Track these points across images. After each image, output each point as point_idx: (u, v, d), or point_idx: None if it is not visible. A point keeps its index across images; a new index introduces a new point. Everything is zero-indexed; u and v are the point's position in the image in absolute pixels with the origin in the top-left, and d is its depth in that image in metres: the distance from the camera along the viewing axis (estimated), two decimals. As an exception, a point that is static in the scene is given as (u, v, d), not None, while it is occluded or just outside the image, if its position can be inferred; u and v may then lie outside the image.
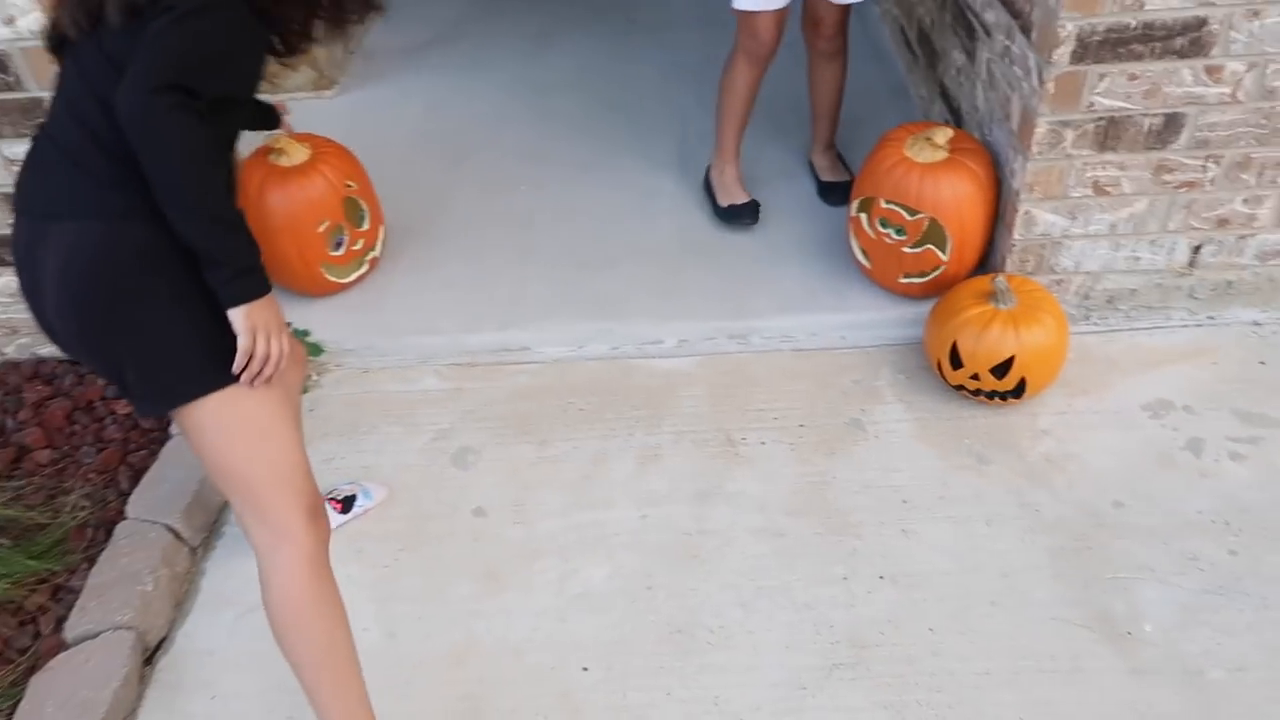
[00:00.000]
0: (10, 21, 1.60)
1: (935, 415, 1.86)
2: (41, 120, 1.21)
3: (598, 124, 2.69)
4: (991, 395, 1.80)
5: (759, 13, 2.00)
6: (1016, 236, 1.88)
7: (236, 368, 1.17)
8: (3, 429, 1.92)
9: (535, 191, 2.46)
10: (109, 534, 1.69)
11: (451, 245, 2.30)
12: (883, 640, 1.51)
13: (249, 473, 1.22)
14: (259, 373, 1.19)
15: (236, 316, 1.16)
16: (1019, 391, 1.78)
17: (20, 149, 1.71)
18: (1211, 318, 1.98)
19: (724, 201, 2.27)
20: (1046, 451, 1.77)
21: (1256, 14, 1.58)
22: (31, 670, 1.50)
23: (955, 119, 2.21)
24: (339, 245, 2.06)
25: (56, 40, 1.21)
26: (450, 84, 2.94)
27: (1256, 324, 1.97)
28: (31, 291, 1.19)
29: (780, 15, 2.02)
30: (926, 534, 1.66)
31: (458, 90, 2.90)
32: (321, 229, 2.00)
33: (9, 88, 1.66)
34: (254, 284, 1.16)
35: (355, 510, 1.75)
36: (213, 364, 1.17)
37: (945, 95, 2.29)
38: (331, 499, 1.74)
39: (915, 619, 1.54)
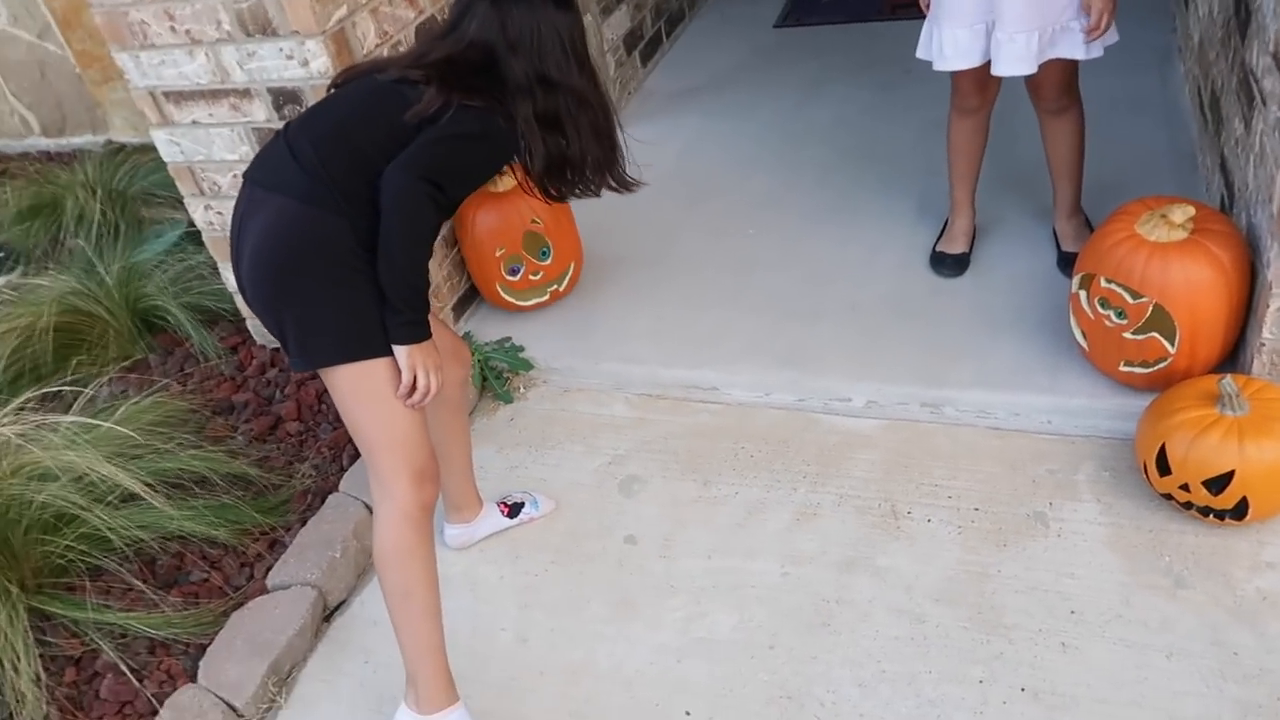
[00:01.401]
0: (305, 64, 1.92)
1: (1135, 523, 1.65)
2: (293, 120, 1.45)
3: (843, 175, 2.67)
4: (1207, 512, 1.57)
5: (958, 70, 1.92)
6: (1267, 335, 1.62)
7: (400, 395, 1.39)
8: (270, 400, 2.28)
9: (762, 237, 2.49)
10: (323, 502, 1.96)
11: (669, 281, 2.39)
12: (1006, 759, 1.37)
13: (368, 434, 1.42)
14: (414, 397, 1.39)
15: (400, 353, 1.38)
16: (1240, 512, 1.53)
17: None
18: None
19: (936, 247, 2.22)
20: (1265, 587, 1.51)
21: None
22: (238, 606, 1.78)
23: (1229, 195, 1.94)
24: (515, 272, 2.25)
25: (344, 78, 1.51)
26: (710, 128, 3.04)
27: None
28: (235, 254, 1.43)
29: (978, 72, 1.92)
30: (1090, 653, 1.48)
31: (715, 135, 3.00)
32: (498, 254, 2.22)
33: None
34: (419, 332, 1.39)
35: (521, 517, 1.88)
36: (353, 341, 1.37)
37: (1224, 168, 2.02)
38: (502, 503, 1.89)
39: (1050, 744, 1.38)
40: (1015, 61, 1.84)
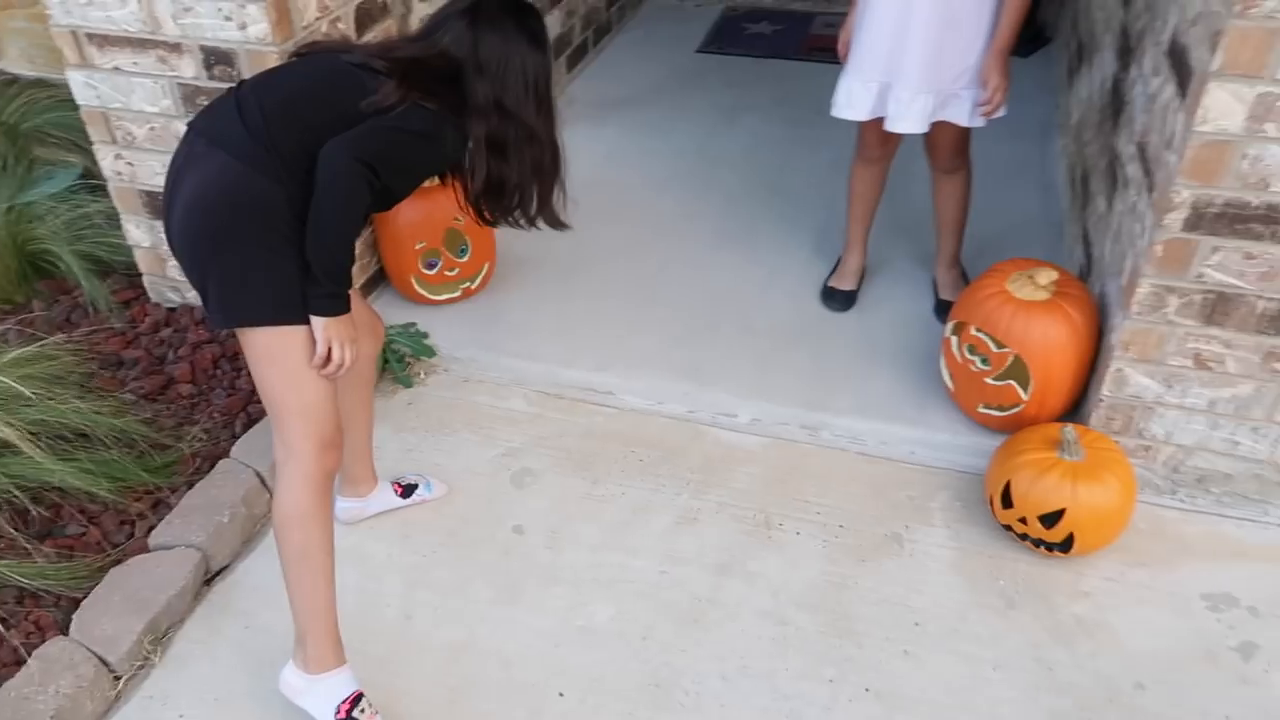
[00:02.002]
0: (243, 27, 1.92)
1: (977, 548, 1.83)
2: (248, 78, 1.47)
3: (749, 204, 2.81)
4: (1039, 543, 1.76)
5: (863, 122, 2.11)
6: (1105, 393, 1.83)
7: (314, 365, 1.42)
8: (163, 360, 2.25)
9: (671, 251, 2.60)
10: (213, 466, 1.96)
11: (576, 287, 2.47)
12: (847, 751, 1.52)
13: (277, 397, 1.46)
14: (327, 369, 1.43)
15: (317, 325, 1.42)
16: (1067, 546, 1.73)
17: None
18: (1316, 524, 1.84)
19: (828, 282, 2.39)
20: (1081, 613, 1.71)
21: (1394, 217, 1.50)
22: (116, 564, 1.76)
23: (1088, 265, 2.17)
24: (432, 266, 2.31)
25: (308, 49, 1.56)
26: (628, 143, 3.15)
27: (1367, 543, 1.81)
28: (168, 201, 1.44)
29: (882, 126, 2.09)
30: (928, 661, 1.64)
31: (632, 150, 3.11)
32: (418, 247, 2.27)
33: (232, 80, 1.99)
34: (338, 305, 1.43)
35: (414, 498, 1.93)
36: (272, 306, 1.40)
37: (1086, 240, 2.25)
38: (396, 482, 1.93)
39: (887, 741, 1.53)
40: (908, 120, 2.02)
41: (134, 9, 1.97)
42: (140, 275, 2.44)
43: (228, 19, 1.92)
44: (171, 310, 2.41)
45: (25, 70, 3.67)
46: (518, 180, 1.50)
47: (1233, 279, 1.64)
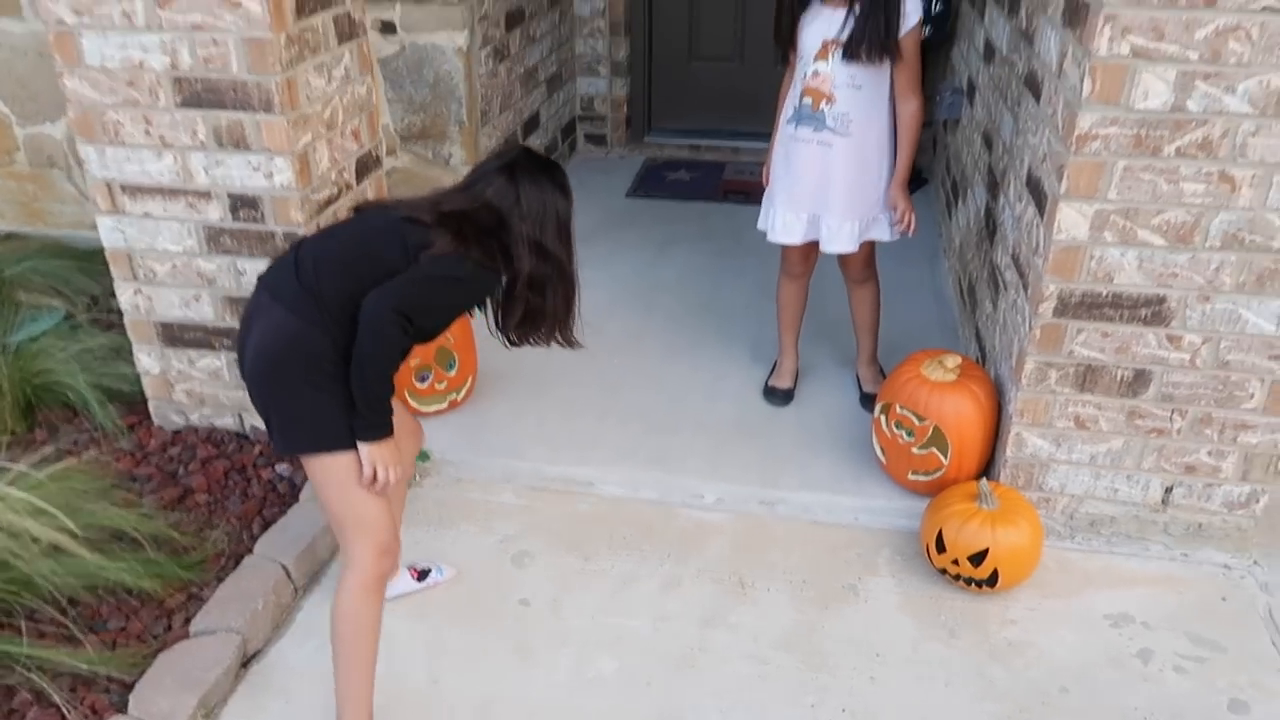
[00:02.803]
0: (269, 176, 2.24)
1: (920, 592, 2.15)
2: (308, 236, 1.77)
3: (690, 321, 3.21)
4: (970, 581, 2.10)
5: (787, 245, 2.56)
6: (1009, 454, 2.22)
7: (363, 484, 1.65)
8: (175, 475, 2.44)
9: (627, 365, 2.95)
10: (238, 563, 2.14)
11: (550, 395, 2.78)
12: (833, 760, 1.78)
13: (335, 512, 1.69)
14: (375, 486, 1.66)
15: (363, 449, 1.64)
16: (993, 581, 2.07)
17: (255, 266, 2.33)
18: (1185, 555, 2.23)
19: (769, 382, 2.77)
20: (1010, 637, 2.04)
21: (1207, 299, 1.97)
22: (158, 651, 1.92)
23: (982, 355, 2.61)
24: (424, 379, 2.58)
25: (363, 206, 1.85)
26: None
27: (1227, 567, 2.21)
28: (240, 344, 1.70)
29: (804, 247, 2.54)
30: (891, 683, 1.93)
31: (582, 281, 3.48)
32: (413, 363, 2.54)
33: (256, 221, 2.29)
34: (380, 433, 1.65)
35: (428, 581, 2.15)
36: (325, 436, 1.64)
37: (979, 336, 2.70)
38: (412, 568, 2.15)
39: (865, 749, 1.80)
40: (840, 243, 2.46)
41: (169, 163, 2.27)
42: (145, 401, 2.64)
43: (255, 169, 2.24)
44: (177, 432, 2.61)
45: (-4, 224, 3.88)
46: (551, 310, 1.75)
47: (1095, 353, 2.07)
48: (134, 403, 2.68)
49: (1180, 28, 1.74)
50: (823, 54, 2.34)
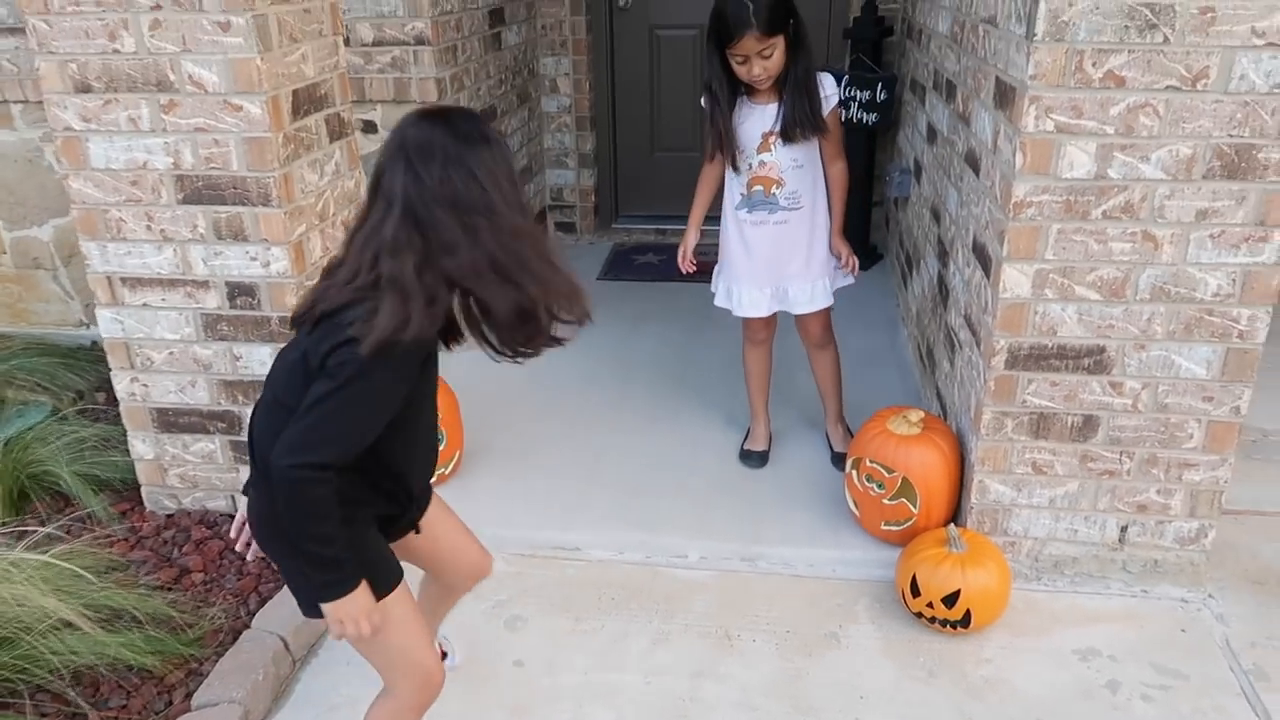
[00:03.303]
0: (266, 265, 2.37)
1: (899, 636, 2.25)
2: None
3: (666, 392, 3.34)
4: (945, 623, 2.20)
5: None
6: (974, 501, 2.35)
7: (334, 637, 1.51)
8: (171, 556, 2.49)
9: (608, 435, 3.06)
10: (236, 638, 2.19)
11: (535, 464, 2.89)
12: (825, 798, 1.85)
13: (371, 660, 1.63)
14: (350, 641, 1.52)
15: (326, 610, 1.46)
16: (966, 621, 2.18)
17: (250, 351, 2.44)
18: (1145, 591, 2.36)
19: (744, 446, 2.90)
20: (986, 675, 2.13)
21: (1143, 347, 2.14)
22: (162, 726, 1.96)
23: (944, 411, 2.76)
24: None
25: (294, 324, 1.49)
26: (556, 352, 3.66)
27: (1184, 600, 2.33)
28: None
29: (765, 318, 2.73)
30: (875, 724, 2.01)
31: (562, 356, 3.55)
32: None
33: (252, 308, 2.41)
34: (336, 591, 1.44)
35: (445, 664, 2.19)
36: (306, 601, 1.53)
37: (939, 395, 2.86)
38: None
39: (855, 786, 1.87)
40: (817, 301, 2.69)
41: (169, 256, 2.40)
42: (137, 488, 2.70)
43: (253, 259, 2.37)
44: (169, 515, 2.66)
45: (-23, 326, 3.95)
46: (533, 292, 1.39)
47: (1046, 401, 2.23)
48: (125, 490, 2.74)
49: (1096, 106, 1.96)
50: (764, 146, 2.57)
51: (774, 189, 2.61)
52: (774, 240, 2.65)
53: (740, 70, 2.45)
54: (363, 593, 1.46)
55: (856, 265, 2.73)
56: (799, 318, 2.74)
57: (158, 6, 2.15)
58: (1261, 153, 1.94)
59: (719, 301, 2.80)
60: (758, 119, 2.55)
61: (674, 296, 4.21)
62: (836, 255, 2.71)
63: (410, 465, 1.59)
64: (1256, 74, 1.88)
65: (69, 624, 1.99)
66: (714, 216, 2.77)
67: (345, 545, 1.43)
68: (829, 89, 2.55)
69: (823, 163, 2.64)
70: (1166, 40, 1.89)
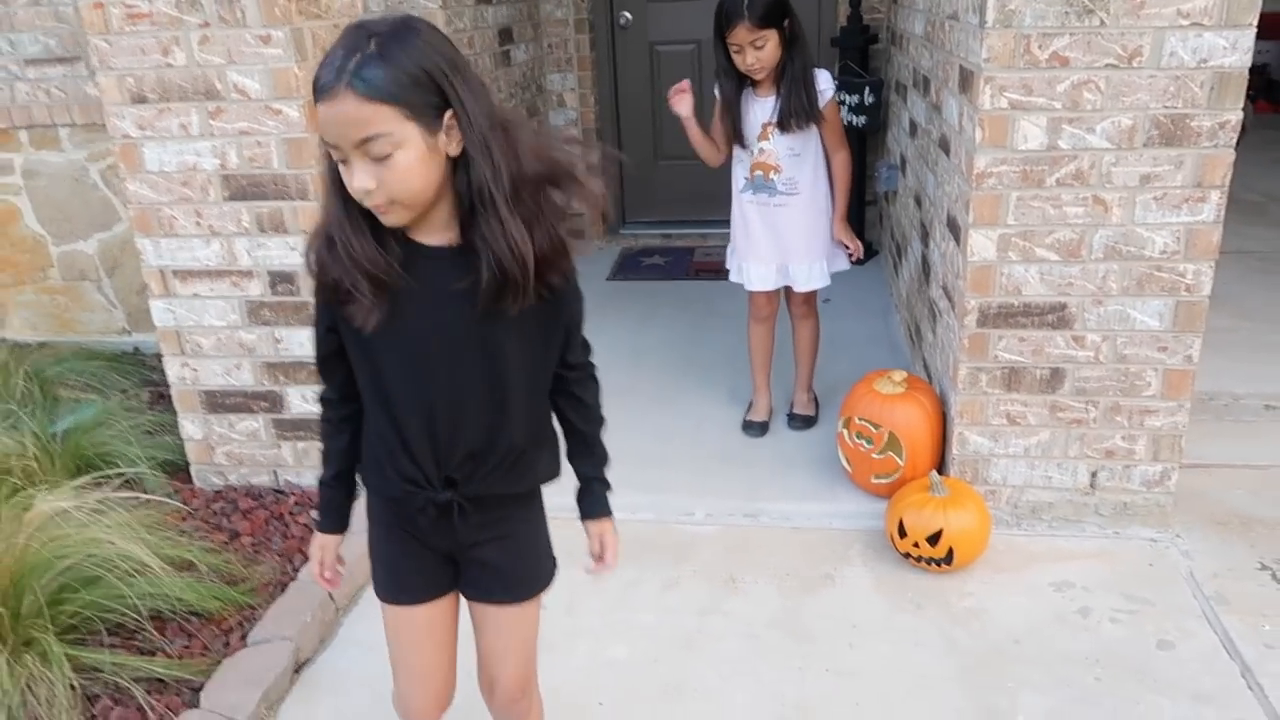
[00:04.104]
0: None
1: (889, 575, 2.45)
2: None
3: (673, 375, 3.57)
4: (930, 561, 2.40)
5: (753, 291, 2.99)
6: (955, 452, 2.56)
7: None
8: (221, 523, 2.72)
9: (618, 413, 3.25)
10: (283, 590, 2.41)
11: (549, 441, 3.11)
12: (820, 708, 2.05)
13: None
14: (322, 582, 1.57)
15: None
16: (949, 559, 2.38)
17: (290, 334, 2.68)
18: (1117, 532, 2.55)
19: (746, 417, 3.12)
20: (969, 606, 2.33)
21: (1100, 303, 2.35)
22: (218, 662, 2.18)
23: (929, 377, 2.97)
24: None
25: None
26: (566, 343, 3.90)
27: (1153, 540, 2.53)
28: None
29: (769, 292, 2.97)
30: (867, 647, 2.21)
31: (570, 348, 3.86)
32: None
33: (292, 294, 2.65)
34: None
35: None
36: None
37: (925, 364, 3.08)
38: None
39: (847, 697, 2.07)
40: (814, 280, 2.92)
41: (216, 249, 2.65)
42: (186, 467, 2.94)
43: (292, 249, 2.62)
44: (217, 491, 2.90)
45: (27, 337, 4.22)
46: (539, 156, 1.22)
47: (1016, 356, 2.44)
48: (174, 470, 2.97)
49: (1044, 84, 2.19)
50: (763, 135, 2.84)
51: (772, 175, 2.86)
52: (773, 222, 2.90)
53: (736, 59, 2.69)
54: (318, 534, 1.55)
55: (861, 250, 2.98)
56: (790, 291, 2.97)
57: (206, 24, 2.41)
58: (1194, 121, 2.16)
59: (733, 277, 3.06)
60: (758, 110, 2.80)
61: (680, 293, 4.45)
62: (840, 242, 2.94)
63: (404, 434, 1.36)
64: (1185, 51, 2.11)
65: (140, 571, 2.21)
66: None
67: (330, 479, 1.50)
68: (824, 83, 2.79)
69: (825, 153, 2.88)
70: (1103, 23, 2.12)
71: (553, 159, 1.25)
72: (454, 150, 1.19)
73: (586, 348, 1.50)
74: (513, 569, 1.55)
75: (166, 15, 2.41)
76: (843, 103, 4.41)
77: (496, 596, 1.54)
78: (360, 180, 1.17)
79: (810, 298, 3.02)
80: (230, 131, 2.51)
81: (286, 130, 2.49)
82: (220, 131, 2.51)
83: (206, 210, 2.61)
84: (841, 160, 2.88)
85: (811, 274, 2.94)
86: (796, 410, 3.12)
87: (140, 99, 2.51)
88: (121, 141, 2.58)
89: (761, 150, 2.85)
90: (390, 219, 1.22)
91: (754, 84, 2.78)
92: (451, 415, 1.35)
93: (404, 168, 1.16)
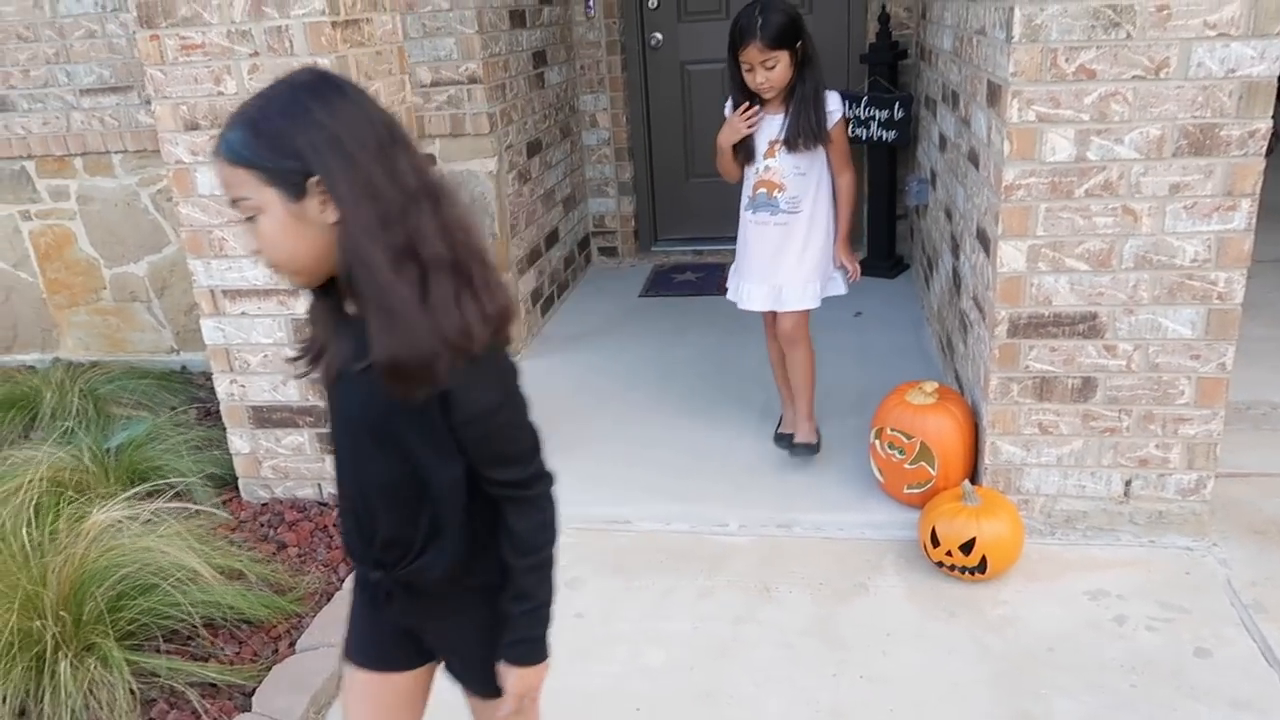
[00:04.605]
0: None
1: (922, 584, 2.47)
2: None
3: (704, 390, 3.61)
4: (963, 570, 2.42)
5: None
6: (987, 462, 2.58)
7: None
8: (268, 535, 2.81)
9: (652, 429, 3.34)
10: (330, 599, 2.49)
11: (585, 453, 3.16)
12: (854, 713, 2.07)
13: None
14: None
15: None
16: (983, 567, 2.39)
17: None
18: (1152, 541, 2.55)
19: (777, 430, 3.15)
20: (1003, 614, 2.35)
21: (1131, 311, 2.37)
22: (268, 668, 2.25)
23: (960, 389, 2.99)
24: None
25: None
26: (602, 358, 3.97)
27: (1189, 548, 2.52)
28: None
29: (773, 313, 2.95)
30: (901, 655, 2.24)
31: (607, 362, 3.93)
32: None
33: (335, 312, 2.75)
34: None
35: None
36: None
37: (957, 376, 3.10)
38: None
39: (881, 703, 2.09)
40: (806, 300, 2.85)
41: (264, 270, 2.74)
42: (234, 481, 3.03)
43: (337, 269, 2.71)
44: (264, 504, 2.98)
45: (80, 356, 4.36)
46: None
47: (1047, 366, 2.46)
48: (222, 484, 3.07)
49: (1072, 96, 2.22)
50: (770, 153, 2.80)
51: (776, 193, 2.84)
52: (773, 240, 2.85)
53: (747, 78, 2.69)
54: None
55: (859, 273, 2.93)
56: (775, 314, 2.94)
57: (255, 54, 2.52)
58: (1224, 130, 2.18)
59: (730, 295, 3.05)
60: (766, 128, 2.78)
61: (711, 309, 4.48)
62: (840, 265, 2.91)
63: (341, 506, 1.38)
64: (1212, 61, 2.13)
65: (193, 579, 2.29)
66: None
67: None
68: (833, 104, 2.75)
69: (831, 176, 2.86)
70: (1129, 36, 2.15)
71: (464, 244, 1.16)
72: (331, 218, 1.11)
73: (519, 463, 1.27)
74: (469, 661, 1.40)
75: (219, 46, 2.51)
76: (872, 118, 4.45)
77: (466, 685, 1.44)
78: (245, 241, 1.17)
79: (800, 321, 2.92)
80: (277, 155, 2.60)
81: (331, 153, 2.57)
82: (268, 156, 2.61)
83: (254, 231, 2.70)
84: (847, 181, 2.86)
85: (803, 295, 2.86)
86: (798, 439, 3.01)
87: (193, 126, 2.62)
88: (175, 167, 2.68)
89: (767, 168, 2.81)
90: (289, 282, 1.22)
91: (763, 102, 2.77)
92: (365, 499, 1.29)
93: (268, 232, 1.13)
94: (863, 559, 2.60)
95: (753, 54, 2.64)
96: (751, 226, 2.92)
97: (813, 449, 3.01)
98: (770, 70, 2.66)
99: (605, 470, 3.06)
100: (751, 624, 2.38)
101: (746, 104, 2.75)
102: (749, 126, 2.77)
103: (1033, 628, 2.29)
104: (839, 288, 2.95)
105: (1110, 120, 2.22)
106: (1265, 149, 2.19)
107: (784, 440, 3.12)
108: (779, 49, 2.63)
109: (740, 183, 2.96)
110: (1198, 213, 2.26)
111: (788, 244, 2.86)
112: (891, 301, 4.37)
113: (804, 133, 2.74)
